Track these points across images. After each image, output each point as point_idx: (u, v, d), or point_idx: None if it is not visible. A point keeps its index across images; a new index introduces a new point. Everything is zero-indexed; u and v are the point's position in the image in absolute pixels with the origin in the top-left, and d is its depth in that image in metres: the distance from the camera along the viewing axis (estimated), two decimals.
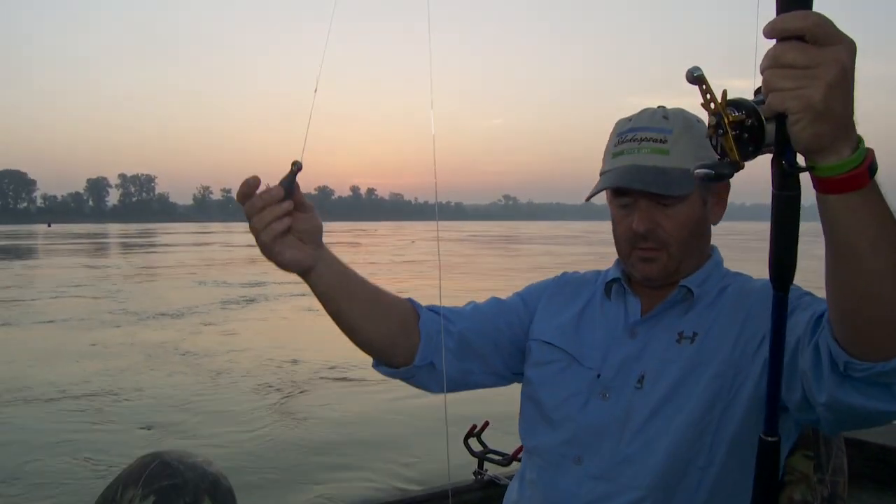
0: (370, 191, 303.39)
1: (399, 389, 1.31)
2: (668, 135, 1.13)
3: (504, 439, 2.43)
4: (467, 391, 1.32)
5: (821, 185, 0.73)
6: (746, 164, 0.74)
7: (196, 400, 6.91)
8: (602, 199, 1.21)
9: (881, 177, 0.74)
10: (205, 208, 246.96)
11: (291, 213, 1.02)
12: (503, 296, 1.39)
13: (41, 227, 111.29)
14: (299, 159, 1.00)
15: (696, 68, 0.73)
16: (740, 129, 0.73)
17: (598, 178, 1.22)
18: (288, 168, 1.01)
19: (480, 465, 2.52)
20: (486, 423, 2.56)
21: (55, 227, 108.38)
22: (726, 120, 0.72)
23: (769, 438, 0.81)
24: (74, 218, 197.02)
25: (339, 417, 6.28)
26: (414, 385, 1.27)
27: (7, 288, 17.30)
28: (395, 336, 1.21)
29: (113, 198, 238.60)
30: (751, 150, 0.73)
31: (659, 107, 1.19)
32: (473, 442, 2.55)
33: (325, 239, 1.11)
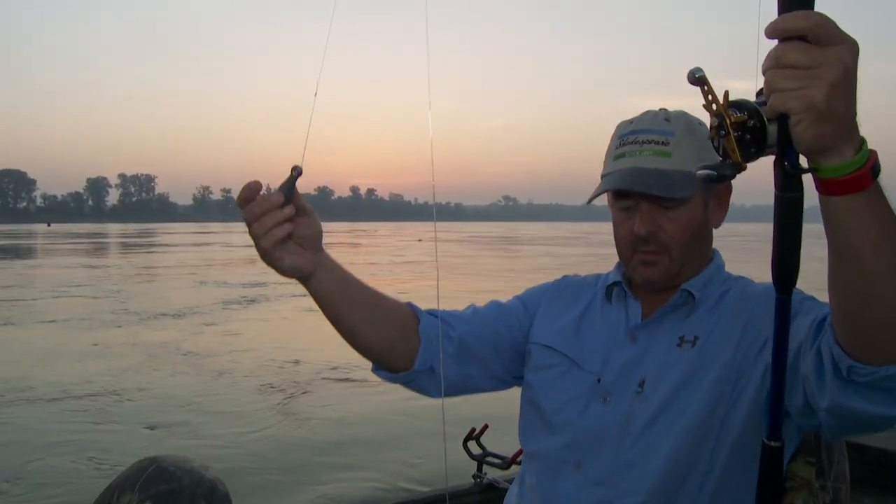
0: (370, 191, 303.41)
1: (401, 390, 1.31)
2: (670, 137, 1.13)
3: (504, 441, 2.44)
4: (467, 394, 1.31)
5: (823, 187, 0.73)
6: (748, 165, 0.74)
7: (198, 400, 6.92)
8: (603, 200, 1.20)
9: (883, 178, 0.73)
10: (205, 208, 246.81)
11: (292, 219, 1.01)
12: (504, 298, 1.38)
13: (41, 227, 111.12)
14: (299, 164, 0.99)
15: (698, 69, 0.73)
16: (742, 130, 0.72)
17: (598, 179, 1.22)
18: (287, 172, 1.00)
19: (480, 469, 2.51)
20: (486, 426, 2.56)
21: (55, 227, 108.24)
22: (728, 121, 0.72)
23: (772, 443, 0.81)
24: (74, 218, 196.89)
25: (341, 418, 6.29)
26: (413, 389, 1.27)
27: (8, 287, 17.30)
28: (394, 340, 1.21)
29: (113, 197, 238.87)
30: (753, 151, 0.72)
31: (661, 109, 1.18)
32: (473, 445, 2.55)
33: (324, 239, 1.10)
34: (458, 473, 2.54)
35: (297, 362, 8.50)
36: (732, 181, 1.13)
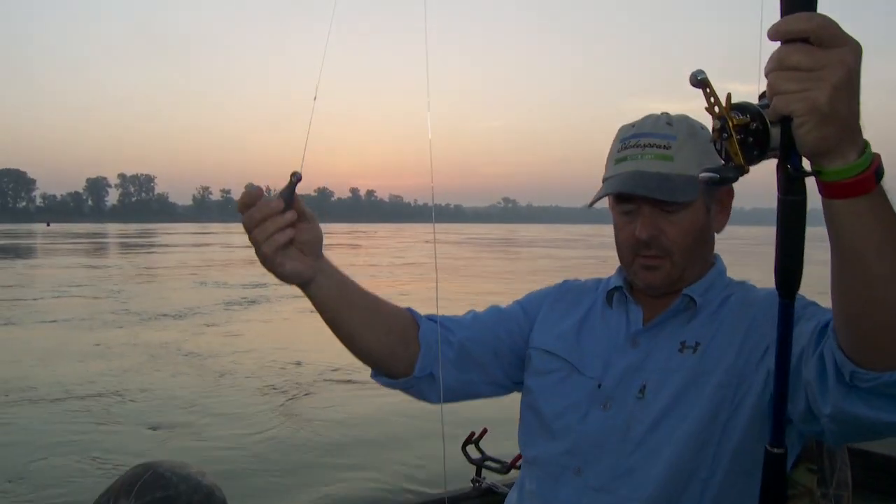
0: (369, 192, 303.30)
1: (402, 393, 1.32)
2: (672, 141, 1.12)
3: (502, 445, 2.44)
4: (466, 400, 1.31)
5: (826, 190, 0.72)
6: (750, 168, 0.73)
7: (201, 401, 6.94)
8: (603, 202, 1.20)
9: (887, 181, 0.74)
10: (204, 209, 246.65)
11: (294, 224, 1.01)
12: (505, 300, 1.38)
13: (40, 227, 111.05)
14: (299, 170, 0.99)
15: (700, 71, 0.72)
16: (745, 132, 0.72)
17: (598, 181, 1.21)
18: (287, 176, 0.99)
19: (478, 473, 2.50)
20: (485, 430, 2.55)
21: (54, 227, 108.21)
22: (731, 123, 0.71)
23: (775, 450, 0.80)
24: (73, 217, 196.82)
25: (343, 419, 6.30)
26: (412, 395, 1.26)
27: (9, 287, 17.31)
28: (394, 346, 1.20)
29: (112, 198, 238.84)
30: (756, 154, 0.72)
31: (663, 113, 1.17)
32: (472, 449, 2.54)
33: (324, 241, 1.10)
34: (458, 475, 2.55)
35: (298, 364, 8.51)
36: (734, 185, 1.13)
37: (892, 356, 0.79)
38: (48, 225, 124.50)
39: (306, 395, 7.24)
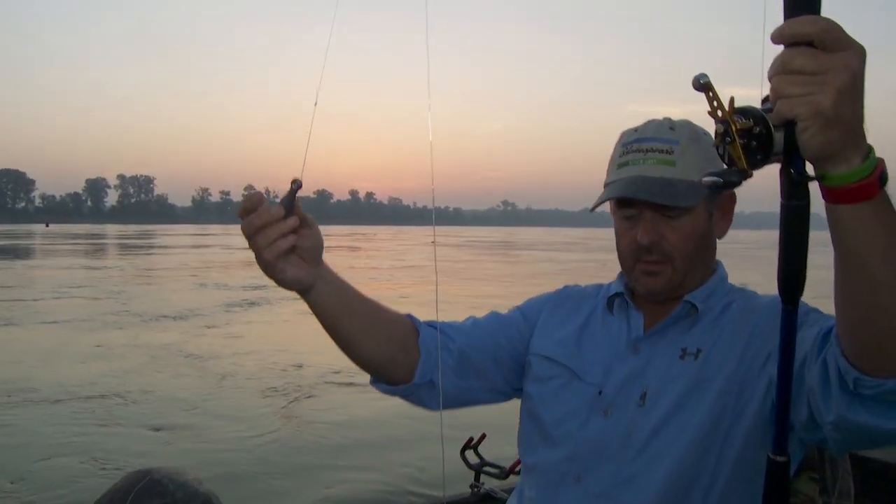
0: (369, 195, 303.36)
1: None
2: (674, 146, 1.11)
3: (501, 450, 2.45)
4: (465, 407, 1.30)
5: (830, 195, 0.72)
6: (754, 172, 0.73)
7: (202, 403, 6.96)
8: (604, 207, 1.19)
9: (890, 186, 0.72)
10: (203, 210, 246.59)
11: (296, 231, 1.00)
12: (507, 303, 1.38)
13: (39, 227, 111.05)
14: (299, 177, 0.98)
15: (703, 75, 0.71)
16: (748, 137, 0.71)
17: (598, 184, 1.20)
18: (285, 178, 1.04)
19: (477, 478, 2.50)
20: (483, 436, 2.55)
21: (53, 227, 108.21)
22: (734, 128, 0.71)
23: (778, 458, 0.79)
24: (72, 218, 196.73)
25: (344, 422, 6.32)
26: (412, 402, 1.24)
27: (9, 288, 17.32)
28: (394, 353, 1.18)
29: (111, 198, 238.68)
30: (759, 158, 0.71)
31: (665, 118, 1.17)
32: (470, 454, 2.54)
33: (324, 243, 1.09)
34: (458, 479, 2.56)
35: (299, 366, 8.53)
36: (735, 190, 1.12)
37: None
38: (47, 226, 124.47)
39: (308, 397, 7.27)
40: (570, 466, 1.14)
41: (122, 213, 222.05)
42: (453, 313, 1.36)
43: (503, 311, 1.37)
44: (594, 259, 31.59)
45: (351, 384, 7.47)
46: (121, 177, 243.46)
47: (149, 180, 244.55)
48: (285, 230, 0.98)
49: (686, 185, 1.08)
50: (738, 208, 1.24)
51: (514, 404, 1.33)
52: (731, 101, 0.72)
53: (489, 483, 2.50)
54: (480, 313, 1.36)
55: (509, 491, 2.34)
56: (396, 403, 1.25)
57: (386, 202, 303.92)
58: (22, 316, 12.56)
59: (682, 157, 1.10)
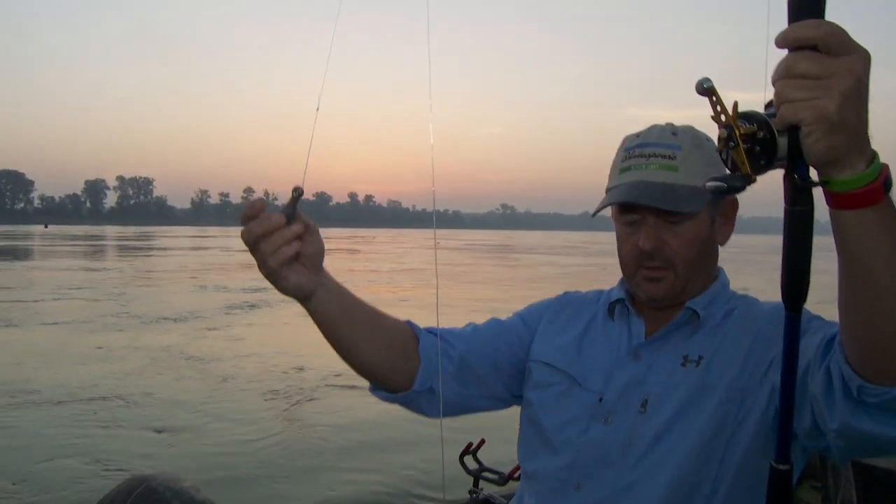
0: (368, 197, 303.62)
1: None
2: (677, 151, 1.11)
3: (500, 455, 2.43)
4: (465, 414, 1.30)
5: (834, 201, 0.71)
6: (757, 178, 0.72)
7: (204, 405, 6.96)
8: (606, 212, 1.19)
9: (895, 192, 0.73)
10: (202, 212, 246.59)
11: (301, 237, 0.99)
12: (507, 307, 1.37)
13: (38, 228, 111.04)
14: (300, 185, 0.98)
15: (707, 79, 0.71)
16: (752, 141, 0.70)
17: (598, 188, 1.20)
18: (281, 182, 1.18)
19: (476, 484, 2.48)
20: (482, 441, 2.54)
21: (52, 229, 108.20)
22: (737, 132, 0.70)
23: (781, 467, 0.78)
24: (71, 219, 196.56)
25: (346, 424, 6.32)
26: (412, 410, 1.24)
27: (9, 289, 17.31)
28: (394, 360, 1.18)
29: (111, 200, 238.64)
30: (762, 163, 0.71)
31: (667, 123, 1.16)
32: (469, 459, 2.52)
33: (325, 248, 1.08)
34: (459, 482, 2.55)
35: (300, 369, 8.53)
36: (737, 195, 1.12)
37: None
38: (46, 227, 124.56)
39: (309, 400, 7.27)
40: (570, 474, 1.13)
41: (121, 215, 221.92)
42: (454, 316, 1.36)
43: (504, 315, 1.36)
44: (594, 263, 31.62)
45: (352, 387, 7.47)
46: (120, 178, 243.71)
47: (148, 182, 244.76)
48: (290, 237, 0.97)
49: (689, 190, 1.08)
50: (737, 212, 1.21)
51: (513, 409, 1.33)
52: (735, 105, 0.71)
53: (488, 489, 2.47)
54: (481, 317, 1.37)
55: (508, 497, 2.33)
56: (397, 406, 1.26)
57: (385, 205, 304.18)
58: (22, 317, 12.55)
59: (684, 163, 1.10)
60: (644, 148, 1.13)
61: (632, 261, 1.15)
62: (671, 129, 1.14)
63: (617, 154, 1.18)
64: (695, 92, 0.71)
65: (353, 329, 1.13)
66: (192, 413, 6.69)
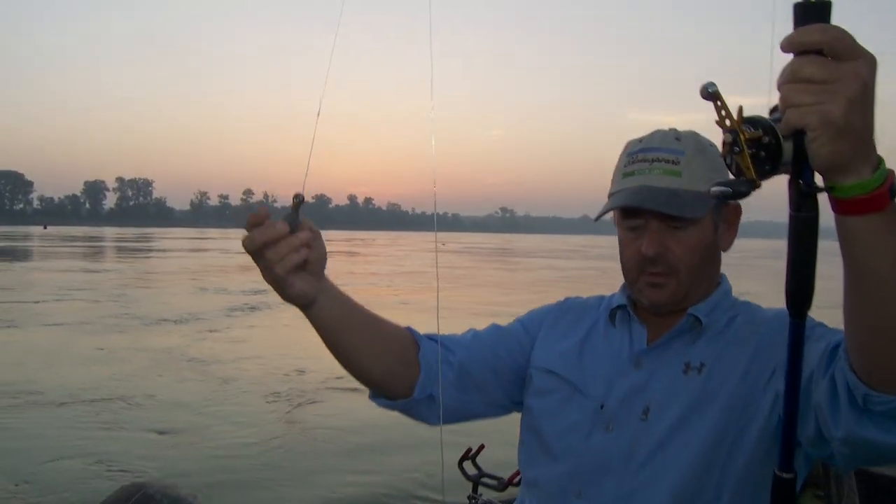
0: (367, 200, 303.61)
1: None
2: (680, 156, 1.10)
3: (500, 454, 2.44)
4: (465, 421, 1.29)
5: (840, 207, 0.71)
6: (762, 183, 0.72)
7: (206, 408, 7.00)
8: (608, 217, 1.17)
9: None
10: (201, 214, 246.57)
11: (309, 245, 0.98)
12: (508, 311, 1.35)
13: (37, 229, 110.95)
14: (300, 190, 0.96)
15: (711, 84, 0.71)
16: (757, 147, 0.70)
17: (598, 192, 1.20)
18: (285, 190, 1.11)
19: (475, 490, 2.48)
20: (482, 446, 2.53)
21: (51, 230, 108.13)
22: (742, 137, 0.70)
23: (785, 475, 0.78)
24: (71, 220, 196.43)
25: (347, 426, 6.37)
26: (411, 417, 1.23)
27: (10, 290, 17.34)
28: (394, 366, 1.17)
29: (110, 201, 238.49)
30: (767, 168, 0.70)
31: (671, 128, 1.16)
32: (468, 465, 2.52)
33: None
34: (460, 485, 2.56)
35: (302, 371, 8.57)
36: (740, 201, 1.10)
37: None
38: (45, 227, 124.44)
39: (311, 402, 7.31)
40: (571, 482, 1.13)
41: (121, 216, 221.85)
42: (454, 320, 1.36)
43: (505, 319, 1.36)
44: (594, 267, 31.66)
45: (353, 390, 7.48)
46: (119, 179, 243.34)
47: (147, 183, 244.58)
48: (297, 244, 0.96)
49: (692, 195, 1.07)
50: None
51: (513, 413, 1.34)
52: (740, 110, 0.71)
53: (487, 494, 2.48)
54: (482, 320, 1.36)
55: (508, 502, 2.35)
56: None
57: (384, 207, 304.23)
58: (24, 318, 12.59)
59: (688, 168, 1.09)
60: (647, 153, 1.12)
61: (634, 266, 1.14)
62: (674, 135, 1.13)
63: (619, 159, 1.17)
64: (698, 96, 0.71)
65: (353, 336, 1.12)
66: (193, 415, 6.72)
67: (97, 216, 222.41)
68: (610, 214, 1.16)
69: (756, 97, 0.74)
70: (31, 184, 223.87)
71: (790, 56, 0.67)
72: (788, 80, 0.66)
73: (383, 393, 1.20)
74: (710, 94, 0.70)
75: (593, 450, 1.12)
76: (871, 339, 0.77)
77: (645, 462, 1.07)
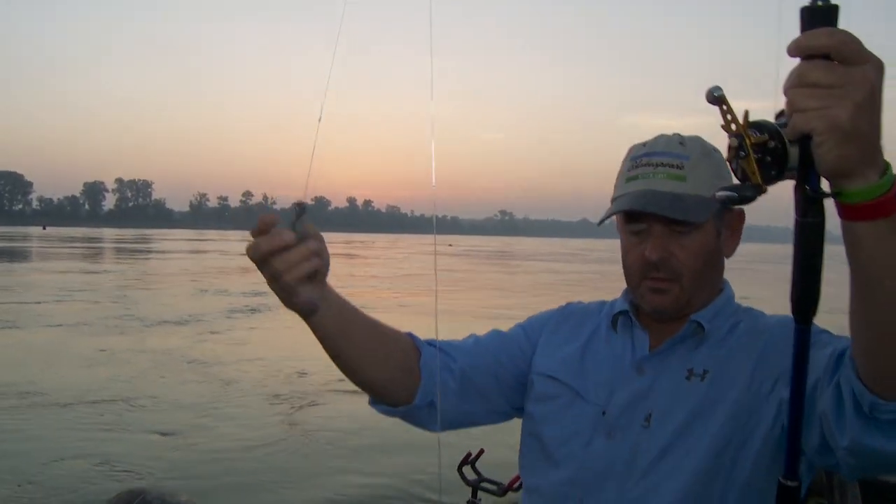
0: (367, 202, 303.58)
1: None
2: (684, 161, 1.09)
3: (500, 461, 2.48)
4: (466, 428, 1.29)
5: (846, 212, 0.70)
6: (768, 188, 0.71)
7: (208, 410, 7.02)
8: (611, 222, 1.17)
9: None
10: (201, 215, 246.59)
11: (320, 254, 0.96)
12: (509, 314, 1.38)
13: (36, 230, 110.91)
14: (302, 199, 0.95)
15: (717, 88, 0.70)
16: (762, 151, 0.69)
17: (598, 195, 1.22)
18: (280, 190, 1.13)
19: (474, 495, 2.49)
20: (482, 451, 2.54)
21: (50, 230, 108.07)
22: (748, 142, 0.69)
23: (789, 483, 0.77)
24: (70, 221, 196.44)
25: (348, 428, 6.38)
26: (412, 423, 1.22)
27: (10, 291, 17.34)
28: (394, 373, 1.16)
29: (109, 202, 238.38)
30: (773, 173, 0.70)
31: (675, 133, 1.15)
32: (468, 470, 2.52)
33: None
34: (461, 487, 2.58)
35: (303, 373, 8.59)
36: (744, 207, 1.07)
37: None
38: (44, 228, 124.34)
39: (312, 404, 7.32)
40: (572, 489, 1.12)
41: (120, 217, 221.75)
42: (454, 323, 1.39)
43: (505, 322, 1.35)
44: (593, 270, 31.68)
45: (355, 392, 7.33)
46: (119, 180, 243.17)
47: (147, 184, 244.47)
48: (307, 254, 0.94)
49: (696, 200, 1.07)
50: None
51: (513, 419, 1.35)
52: (746, 114, 0.70)
53: (486, 500, 2.49)
54: (482, 323, 1.38)
55: None
56: None
57: (384, 210, 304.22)
58: (25, 319, 12.60)
59: (692, 173, 1.09)
60: (651, 157, 1.11)
61: (637, 271, 1.13)
62: (679, 139, 1.13)
63: (623, 163, 1.16)
64: (703, 100, 0.71)
65: (354, 343, 1.10)
66: (196, 416, 6.74)
67: (96, 217, 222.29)
68: (612, 218, 1.15)
69: (762, 101, 0.74)
70: (30, 184, 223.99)
71: (797, 60, 0.67)
72: (795, 85, 0.66)
73: (384, 399, 1.18)
74: (716, 97, 0.70)
75: (595, 456, 1.11)
76: (878, 346, 0.76)
77: (647, 469, 1.06)
